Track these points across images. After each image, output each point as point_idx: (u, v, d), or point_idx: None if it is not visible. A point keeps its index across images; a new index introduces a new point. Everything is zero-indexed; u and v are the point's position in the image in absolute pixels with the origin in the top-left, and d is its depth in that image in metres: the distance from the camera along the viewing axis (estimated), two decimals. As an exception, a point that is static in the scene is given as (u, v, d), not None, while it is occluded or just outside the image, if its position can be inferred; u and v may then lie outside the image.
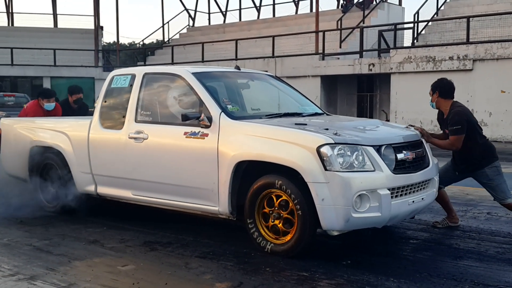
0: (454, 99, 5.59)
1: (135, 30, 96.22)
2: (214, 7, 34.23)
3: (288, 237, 4.61)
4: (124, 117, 5.77)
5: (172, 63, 27.07)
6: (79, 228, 5.74)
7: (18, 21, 38.02)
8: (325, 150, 4.31)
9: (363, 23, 23.89)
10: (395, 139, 4.82)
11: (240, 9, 33.33)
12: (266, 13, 33.78)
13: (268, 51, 23.67)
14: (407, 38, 22.29)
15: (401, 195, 4.63)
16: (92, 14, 32.05)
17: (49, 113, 7.76)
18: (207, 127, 5.01)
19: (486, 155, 5.45)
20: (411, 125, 5.58)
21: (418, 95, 18.55)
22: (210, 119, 5.01)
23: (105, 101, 6.09)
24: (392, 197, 4.50)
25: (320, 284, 4.00)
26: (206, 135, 5.01)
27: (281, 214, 4.64)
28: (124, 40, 53.63)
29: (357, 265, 4.47)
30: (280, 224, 4.66)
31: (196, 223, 5.78)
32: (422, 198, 4.86)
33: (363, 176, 4.35)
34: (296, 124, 4.79)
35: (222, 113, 5.02)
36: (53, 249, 4.95)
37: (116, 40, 32.18)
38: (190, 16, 33.87)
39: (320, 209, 4.33)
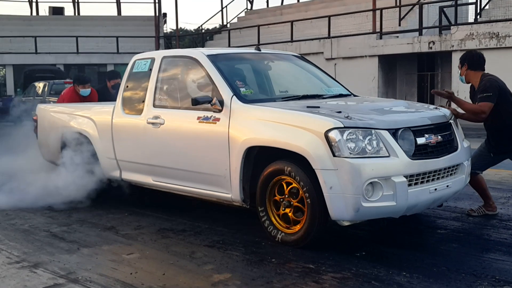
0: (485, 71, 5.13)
1: (199, 15, 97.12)
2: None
3: (298, 227, 4.37)
4: (143, 102, 5.69)
5: (230, 47, 27.03)
6: (100, 214, 5.74)
7: (84, 10, 39.15)
8: (333, 134, 4.03)
9: (424, -1, 22.84)
10: (416, 121, 4.44)
11: (298, -10, 32.67)
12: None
13: (325, 31, 23.10)
14: (470, 14, 21.09)
15: (421, 182, 4.27)
16: (155, 1, 32.50)
17: (85, 99, 7.83)
18: (219, 111, 4.83)
19: None
20: (441, 106, 5.16)
21: (481, 74, 17.57)
22: (222, 102, 4.83)
23: (127, 86, 6.03)
24: (409, 184, 4.16)
25: (324, 278, 3.75)
26: (218, 119, 4.83)
27: (292, 202, 4.40)
28: (189, 26, 54.17)
29: (371, 257, 4.18)
30: (291, 213, 4.43)
31: (215, 210, 5.64)
32: (447, 186, 4.47)
33: (375, 162, 4.03)
34: (308, 107, 4.51)
35: (234, 96, 4.82)
36: (68, 236, 4.95)
37: (178, 27, 32.53)
38: (248, -1, 33.63)
39: (328, 198, 4.06)
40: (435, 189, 4.34)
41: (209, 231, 4.99)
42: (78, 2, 37.51)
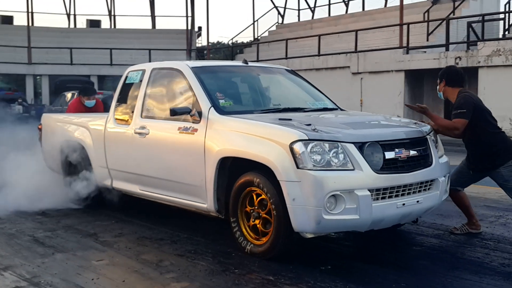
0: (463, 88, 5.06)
1: (235, 29, 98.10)
2: (304, 3, 33.87)
3: (266, 239, 4.37)
4: (132, 112, 5.81)
5: (258, 61, 27.23)
6: (88, 221, 5.86)
7: (120, 23, 40.09)
8: (297, 146, 4.03)
9: (453, 14, 22.53)
10: (386, 136, 4.39)
11: (329, 4, 32.73)
12: (356, 7, 32.80)
13: (353, 46, 23.01)
14: (500, 29, 20.70)
15: (389, 197, 4.22)
16: (187, 15, 33.11)
17: (90, 109, 8.04)
18: (198, 122, 4.90)
19: (501, 152, 4.86)
20: (422, 121, 5.10)
21: (508, 90, 17.22)
22: (200, 114, 4.89)
23: (120, 97, 6.17)
24: (375, 199, 4.11)
25: (279, 289, 3.74)
26: (196, 130, 4.89)
27: (260, 214, 4.41)
28: (225, 39, 54.80)
29: (335, 271, 4.14)
30: (260, 225, 4.43)
31: (201, 219, 5.64)
32: (418, 201, 4.39)
33: (338, 175, 4.01)
34: (280, 119, 4.52)
35: (212, 108, 4.88)
36: (48, 241, 5.08)
37: (215, 40, 32.99)
38: (279, 13, 33.86)
39: (291, 210, 4.05)
40: (403, 204, 4.27)
41: (186, 240, 5.03)
42: (114, 16, 38.54)
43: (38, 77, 31.44)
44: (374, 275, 4.06)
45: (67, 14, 38.08)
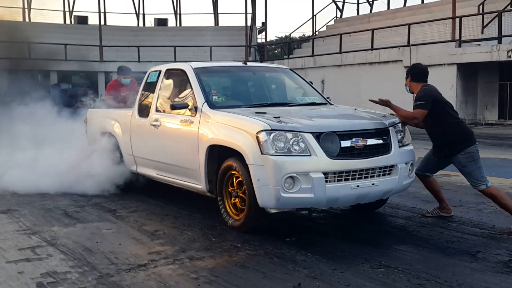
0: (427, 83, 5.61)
1: (296, 24, 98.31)
2: (364, -3, 34.00)
3: (242, 214, 5.17)
4: (150, 107, 6.76)
5: (312, 55, 27.82)
6: (113, 200, 6.86)
7: (186, 21, 41.75)
8: (261, 135, 4.79)
9: (511, 6, 22.10)
10: (343, 127, 5.06)
11: (388, -3, 32.65)
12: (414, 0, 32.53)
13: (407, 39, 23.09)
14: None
15: (345, 179, 4.89)
16: (246, 12, 34.09)
17: (126, 87, 9.10)
18: (194, 115, 5.76)
19: (459, 140, 5.38)
20: (391, 114, 5.69)
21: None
22: (196, 108, 5.75)
23: (142, 94, 7.13)
24: (330, 180, 4.80)
25: (239, 253, 4.55)
26: (192, 122, 5.76)
27: (238, 193, 5.21)
28: (285, 34, 55.45)
29: (298, 242, 4.88)
30: (238, 202, 5.24)
31: (205, 200, 6.47)
32: (373, 184, 5.02)
33: (294, 160, 4.74)
34: (256, 112, 5.29)
35: (205, 103, 5.72)
36: (75, 214, 6.12)
37: (276, 35, 33.81)
38: (337, 7, 34.16)
39: (257, 188, 4.83)
40: (357, 186, 4.93)
41: (186, 216, 5.92)
42: (180, 14, 40.18)
43: (109, 74, 33.45)
44: (327, 246, 4.77)
45: (136, 13, 40.13)
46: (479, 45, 20.64)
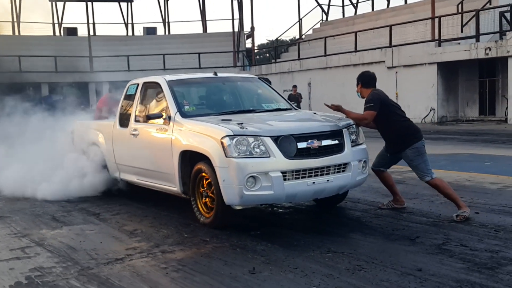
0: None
1: (282, 28, 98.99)
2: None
3: (212, 212, 5.73)
4: (130, 117, 7.31)
5: (299, 59, 28.45)
6: (99, 205, 7.39)
7: (174, 30, 42.30)
8: (225, 140, 5.35)
9: (490, 4, 22.74)
10: (299, 130, 5.62)
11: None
12: (398, 0, 33.23)
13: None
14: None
15: (302, 177, 5.45)
16: (233, 18, 34.71)
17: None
18: (168, 124, 6.31)
19: (407, 137, 5.95)
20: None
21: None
22: (169, 117, 6.31)
23: (122, 105, 7.68)
24: (288, 178, 5.36)
25: (206, 246, 5.11)
26: (166, 130, 6.31)
27: (208, 193, 5.77)
28: (272, 39, 56.12)
29: (262, 235, 5.43)
30: (208, 201, 5.79)
31: (184, 202, 7.02)
32: (328, 180, 5.59)
33: (255, 161, 5.30)
34: (222, 120, 5.85)
35: (178, 112, 6.28)
36: (62, 219, 6.66)
37: (263, 40, 34.40)
38: (323, 10, 34.82)
39: (222, 188, 5.39)
40: (313, 183, 5.49)
41: (164, 217, 6.46)
42: (168, 22, 40.77)
43: (99, 84, 33.93)
44: (286, 237, 5.33)
45: (125, 23, 40.71)
46: (459, 43, 21.29)
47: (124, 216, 6.67)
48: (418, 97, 22.03)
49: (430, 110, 21.73)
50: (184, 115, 6.26)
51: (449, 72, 21.77)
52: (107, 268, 4.59)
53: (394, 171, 8.56)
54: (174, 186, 6.31)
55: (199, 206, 5.95)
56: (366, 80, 6.27)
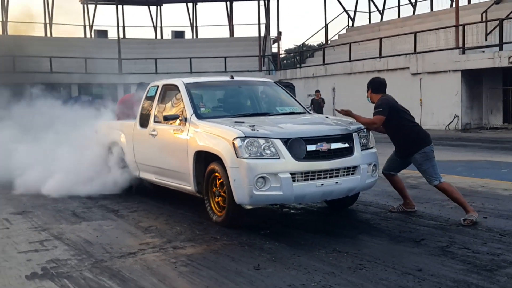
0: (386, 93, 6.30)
1: (309, 33, 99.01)
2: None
3: (224, 211, 5.91)
4: (149, 118, 7.55)
5: (323, 64, 28.54)
6: (118, 202, 7.64)
7: (202, 33, 42.81)
8: (236, 141, 5.54)
9: (514, 13, 22.53)
10: (309, 133, 5.78)
11: (398, 6, 33.27)
12: (424, 8, 33.08)
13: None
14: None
15: (311, 179, 5.60)
16: (259, 22, 34.99)
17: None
18: (184, 125, 6.53)
19: (416, 141, 6.05)
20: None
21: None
22: (186, 119, 6.53)
23: (143, 106, 7.94)
24: (297, 180, 5.52)
25: (216, 243, 5.28)
26: (183, 131, 6.53)
27: (220, 193, 5.96)
28: (299, 44, 56.24)
29: (269, 234, 5.59)
30: (221, 201, 5.98)
31: (200, 200, 7.22)
32: (337, 182, 5.72)
33: (265, 162, 5.47)
34: (235, 122, 6.04)
35: (193, 114, 6.50)
36: (82, 214, 6.92)
37: (291, 45, 34.61)
38: (349, 16, 34.83)
39: (233, 188, 5.57)
40: (322, 184, 5.63)
41: (179, 215, 6.68)
42: (196, 26, 41.26)
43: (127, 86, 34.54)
44: (294, 237, 5.48)
45: (154, 26, 41.34)
46: (483, 51, 21.14)
47: (141, 213, 6.90)
48: (442, 104, 21.93)
49: (454, 117, 21.59)
50: (200, 116, 6.47)
51: (473, 79, 21.63)
52: (119, 261, 4.80)
53: (409, 176, 8.67)
54: (189, 185, 6.51)
55: (212, 205, 6.13)
56: (376, 86, 6.38)
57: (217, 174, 5.94)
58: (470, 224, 5.72)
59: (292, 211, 6.77)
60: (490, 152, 13.04)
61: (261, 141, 5.55)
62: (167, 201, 7.50)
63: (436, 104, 22.01)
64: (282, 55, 40.01)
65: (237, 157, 5.52)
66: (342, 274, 4.28)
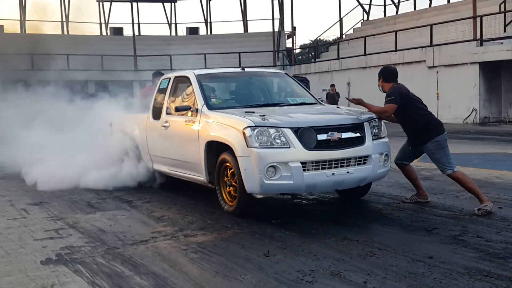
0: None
1: (324, 28, 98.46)
2: (391, -1, 34.37)
3: (235, 201, 5.94)
4: (162, 110, 7.61)
5: (338, 58, 28.42)
6: (132, 193, 7.71)
7: (216, 29, 42.84)
8: (246, 131, 5.56)
9: (533, 3, 22.21)
10: (319, 122, 5.78)
11: (414, -2, 32.94)
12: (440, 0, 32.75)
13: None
14: None
15: (322, 168, 5.60)
16: (273, 18, 34.92)
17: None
18: (195, 116, 6.57)
19: (428, 130, 6.01)
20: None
21: None
22: (197, 110, 6.56)
23: (155, 99, 7.99)
24: (307, 169, 5.52)
25: (228, 232, 5.33)
26: (194, 122, 6.56)
27: (231, 182, 5.98)
28: (313, 38, 56.01)
29: (280, 223, 5.61)
30: (232, 190, 6.01)
31: (211, 192, 7.25)
32: (348, 172, 5.71)
33: (275, 151, 5.48)
34: (246, 112, 6.06)
35: (204, 105, 6.53)
36: (97, 205, 7.00)
37: (305, 40, 34.50)
38: (364, 10, 34.61)
39: (244, 177, 5.59)
40: (333, 174, 5.62)
41: (190, 205, 6.72)
42: (210, 22, 41.33)
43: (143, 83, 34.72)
44: (305, 226, 5.49)
45: (168, 23, 41.50)
46: (502, 43, 20.84)
47: (154, 204, 6.96)
48: (459, 97, 21.69)
49: (472, 111, 21.33)
50: (211, 107, 6.50)
51: (491, 72, 21.34)
52: (131, 248, 4.86)
53: (424, 168, 8.63)
54: (201, 176, 6.55)
55: (223, 195, 6.16)
56: (387, 75, 6.35)
57: (228, 164, 5.97)
58: (484, 214, 5.67)
59: (303, 201, 6.78)
60: (508, 145, 12.88)
61: (271, 131, 5.56)
62: (180, 193, 7.55)
63: (453, 98, 21.77)
64: (297, 51, 39.83)
65: (248, 146, 5.54)
66: (352, 261, 4.28)
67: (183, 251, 4.71)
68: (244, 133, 5.58)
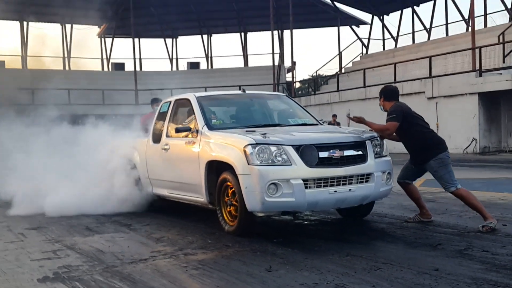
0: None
1: (324, 61, 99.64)
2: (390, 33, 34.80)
3: (236, 220, 5.85)
4: (162, 133, 7.58)
5: (338, 91, 28.61)
6: (131, 217, 7.59)
7: (217, 64, 43.22)
8: (247, 149, 5.51)
9: (531, 34, 22.49)
10: (321, 140, 5.74)
11: (413, 32, 33.39)
12: (440, 33, 33.14)
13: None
14: None
15: (324, 186, 5.53)
16: (273, 52, 35.27)
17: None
18: (196, 137, 6.53)
19: (430, 147, 5.96)
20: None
21: None
22: (197, 131, 6.53)
23: (156, 123, 7.98)
24: (309, 186, 5.45)
25: (228, 250, 5.22)
26: (194, 142, 6.53)
27: (232, 202, 5.90)
28: (313, 71, 56.54)
29: (282, 242, 5.50)
30: (233, 210, 5.92)
31: (212, 214, 7.17)
32: (350, 190, 5.64)
33: (276, 169, 5.42)
34: (247, 131, 6.02)
35: (205, 125, 6.50)
36: (95, 228, 6.89)
37: (305, 73, 34.82)
38: (363, 44, 35.02)
39: (245, 195, 5.52)
40: (335, 191, 5.55)
41: (190, 227, 6.62)
42: (211, 57, 41.75)
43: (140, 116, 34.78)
44: (307, 244, 5.39)
45: (169, 58, 41.95)
46: (501, 74, 20.99)
47: (153, 226, 6.86)
48: (459, 127, 21.71)
49: (472, 141, 21.33)
50: (211, 128, 6.47)
51: (491, 102, 21.43)
52: (130, 266, 4.75)
53: (426, 192, 8.54)
54: (201, 197, 6.47)
55: (224, 215, 6.08)
56: (388, 94, 6.35)
57: (229, 183, 5.90)
58: (488, 230, 5.58)
59: (305, 222, 6.69)
60: (510, 171, 12.83)
61: (273, 148, 5.52)
62: (180, 216, 7.47)
63: (453, 128, 21.78)
64: (297, 85, 40.13)
65: (249, 164, 5.49)
66: (356, 274, 4.18)
67: (183, 268, 4.61)
68: (245, 151, 5.53)
